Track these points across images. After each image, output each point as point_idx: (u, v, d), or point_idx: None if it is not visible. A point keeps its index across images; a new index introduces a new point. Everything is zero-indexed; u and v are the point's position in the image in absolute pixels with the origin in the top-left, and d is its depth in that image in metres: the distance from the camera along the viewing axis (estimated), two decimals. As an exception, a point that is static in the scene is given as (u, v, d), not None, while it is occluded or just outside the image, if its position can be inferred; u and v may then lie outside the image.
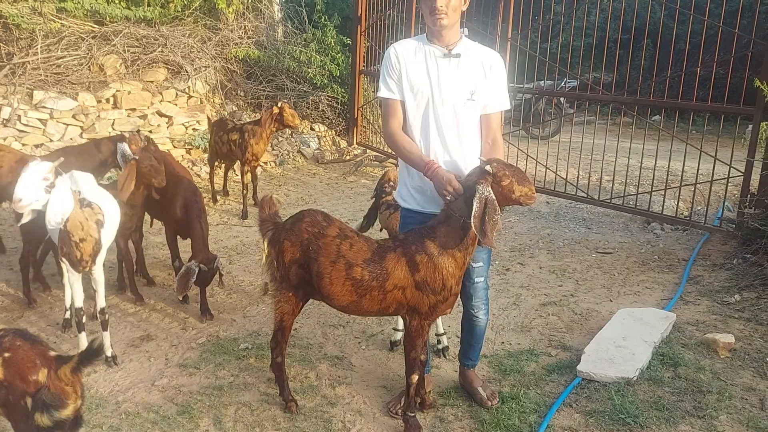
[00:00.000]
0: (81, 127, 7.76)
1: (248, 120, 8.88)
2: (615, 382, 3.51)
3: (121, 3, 8.90)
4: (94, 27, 8.54)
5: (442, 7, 2.94)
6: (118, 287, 4.77)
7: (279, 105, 6.70)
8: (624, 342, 3.84)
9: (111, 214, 3.77)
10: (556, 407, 3.32)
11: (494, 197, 2.81)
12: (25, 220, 3.23)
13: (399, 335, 4.02)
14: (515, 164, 3.32)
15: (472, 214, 2.78)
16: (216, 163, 7.36)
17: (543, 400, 3.44)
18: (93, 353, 2.40)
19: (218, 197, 7.26)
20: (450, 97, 3.05)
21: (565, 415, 3.30)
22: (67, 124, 7.68)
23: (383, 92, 3.13)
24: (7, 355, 2.34)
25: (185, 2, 9.21)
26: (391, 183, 4.64)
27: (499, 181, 2.84)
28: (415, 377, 3.14)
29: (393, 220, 4.15)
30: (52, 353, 2.41)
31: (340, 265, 2.97)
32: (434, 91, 3.05)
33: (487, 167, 2.83)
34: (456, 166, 3.09)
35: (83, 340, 3.75)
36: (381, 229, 4.41)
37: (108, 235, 3.72)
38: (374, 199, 4.83)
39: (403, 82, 3.08)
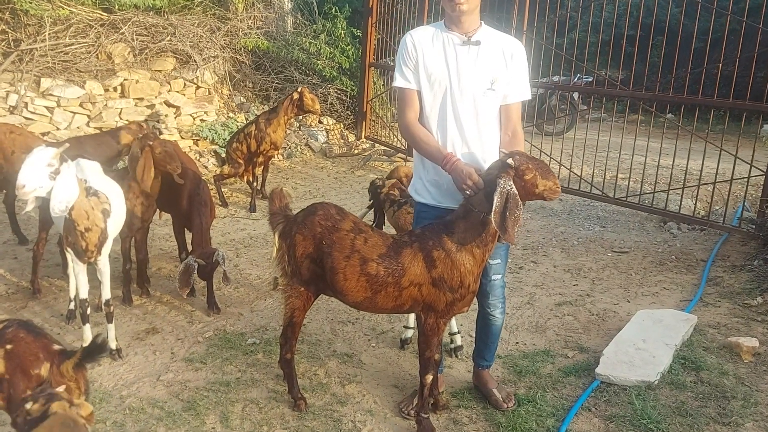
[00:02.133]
0: (88, 116, 7.66)
1: (256, 112, 8.81)
2: (635, 386, 3.39)
3: (131, -10, 8.80)
4: (102, 14, 8.42)
5: None
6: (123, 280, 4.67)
7: (299, 90, 6.57)
8: (644, 344, 3.71)
9: (118, 203, 3.67)
10: (574, 411, 3.20)
11: (516, 192, 2.69)
12: (29, 207, 3.13)
13: (410, 333, 3.91)
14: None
15: (493, 209, 2.66)
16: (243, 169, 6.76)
17: (560, 403, 3.32)
18: (97, 349, 2.30)
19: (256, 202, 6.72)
20: (469, 86, 2.93)
21: (583, 419, 3.18)
22: (74, 113, 7.58)
23: (399, 81, 3.01)
24: (9, 347, 2.25)
25: (195, -9, 9.11)
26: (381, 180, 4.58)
27: (521, 174, 2.72)
28: (430, 377, 3.02)
29: (400, 217, 4.04)
30: (56, 347, 2.31)
31: (355, 260, 2.86)
32: (452, 80, 2.93)
33: (509, 160, 2.71)
34: (475, 158, 2.97)
35: (87, 333, 3.66)
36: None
37: (114, 225, 3.62)
38: (372, 200, 4.74)
39: (420, 70, 2.95)
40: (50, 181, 3.03)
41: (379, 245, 2.88)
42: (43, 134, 7.33)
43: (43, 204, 3.61)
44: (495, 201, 2.65)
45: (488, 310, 3.25)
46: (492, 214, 2.65)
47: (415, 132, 2.99)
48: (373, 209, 4.71)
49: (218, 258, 4.23)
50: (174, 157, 4.23)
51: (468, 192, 2.79)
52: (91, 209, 3.36)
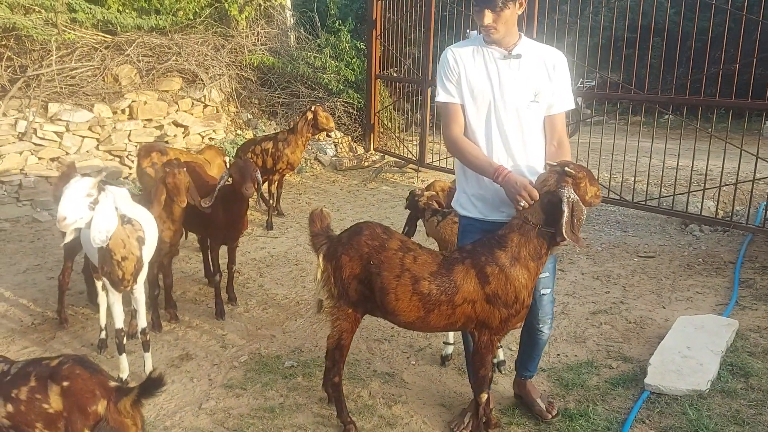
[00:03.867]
0: (97, 140, 7.62)
1: (264, 129, 8.77)
2: (687, 396, 3.34)
3: (133, 12, 8.76)
4: (106, 37, 8.39)
5: (490, 24, 2.81)
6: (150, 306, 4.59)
7: (312, 109, 6.53)
8: (689, 352, 3.67)
9: (151, 230, 3.61)
10: (629, 424, 3.15)
11: (578, 199, 2.68)
12: (68, 239, 3.06)
13: (450, 349, 3.85)
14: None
15: (563, 220, 2.63)
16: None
17: (613, 416, 3.27)
18: (154, 384, 2.24)
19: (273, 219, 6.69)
20: (512, 99, 2.90)
21: (639, 432, 3.14)
22: (83, 137, 7.53)
23: (442, 96, 2.98)
24: (66, 384, 2.18)
25: (196, 10, 9.08)
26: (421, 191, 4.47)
27: (578, 183, 2.71)
28: (485, 396, 2.98)
29: (444, 228, 3.98)
30: (113, 384, 2.25)
31: (406, 279, 2.80)
32: (496, 94, 2.90)
33: (567, 169, 2.69)
34: (521, 171, 2.94)
35: (124, 363, 3.60)
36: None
37: (149, 253, 3.56)
38: (410, 209, 4.64)
39: (463, 85, 2.94)
40: (90, 212, 2.97)
41: (430, 263, 2.83)
42: (53, 160, 7.29)
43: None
44: (564, 211, 2.63)
45: (537, 326, 3.19)
46: (563, 224, 2.62)
47: (463, 146, 2.95)
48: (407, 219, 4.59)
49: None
50: (180, 191, 4.10)
51: (522, 204, 2.75)
52: (126, 238, 3.29)
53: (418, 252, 2.88)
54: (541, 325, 3.19)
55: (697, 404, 3.28)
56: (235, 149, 7.24)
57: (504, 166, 2.89)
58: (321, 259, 3.03)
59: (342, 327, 3.04)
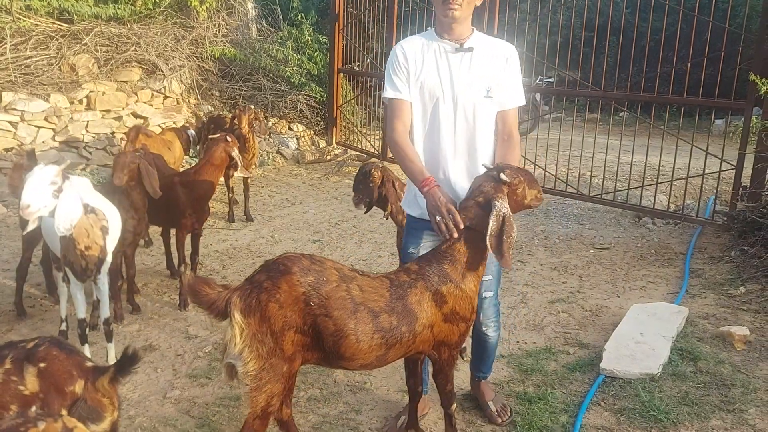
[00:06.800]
0: (53, 130, 7.46)
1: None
2: (639, 379, 3.48)
3: (90, 0, 8.58)
4: (62, 26, 8.21)
5: None
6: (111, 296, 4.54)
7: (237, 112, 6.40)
8: (642, 338, 3.83)
9: (114, 219, 3.59)
10: (585, 406, 3.27)
11: (511, 213, 2.55)
12: (30, 227, 3.03)
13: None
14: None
15: (488, 232, 2.47)
16: None
17: (570, 399, 3.39)
18: (130, 361, 2.25)
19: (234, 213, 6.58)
20: (464, 95, 2.81)
21: (595, 413, 3.26)
22: (39, 127, 7.37)
23: (388, 92, 2.84)
24: (42, 365, 2.18)
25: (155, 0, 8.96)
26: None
27: (514, 189, 2.60)
28: (455, 406, 2.89)
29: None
30: (89, 363, 2.27)
31: (363, 314, 2.40)
32: (445, 89, 2.81)
33: (502, 176, 2.54)
34: (463, 171, 2.87)
35: (86, 353, 3.57)
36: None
37: (112, 242, 3.54)
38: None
39: (411, 81, 2.81)
40: (54, 200, 2.95)
41: (379, 289, 2.48)
42: (7, 150, 7.12)
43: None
44: (491, 224, 2.47)
45: (482, 330, 3.14)
46: (487, 237, 2.48)
47: (403, 147, 2.79)
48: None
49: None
50: (116, 168, 4.07)
51: (437, 221, 2.57)
52: (90, 227, 3.27)
53: (359, 279, 2.48)
54: (485, 329, 3.14)
55: (650, 387, 3.43)
56: (206, 121, 7.10)
57: (448, 165, 2.83)
58: (238, 316, 2.35)
59: (273, 390, 2.42)
